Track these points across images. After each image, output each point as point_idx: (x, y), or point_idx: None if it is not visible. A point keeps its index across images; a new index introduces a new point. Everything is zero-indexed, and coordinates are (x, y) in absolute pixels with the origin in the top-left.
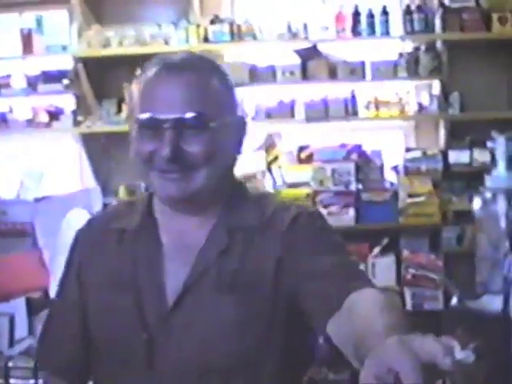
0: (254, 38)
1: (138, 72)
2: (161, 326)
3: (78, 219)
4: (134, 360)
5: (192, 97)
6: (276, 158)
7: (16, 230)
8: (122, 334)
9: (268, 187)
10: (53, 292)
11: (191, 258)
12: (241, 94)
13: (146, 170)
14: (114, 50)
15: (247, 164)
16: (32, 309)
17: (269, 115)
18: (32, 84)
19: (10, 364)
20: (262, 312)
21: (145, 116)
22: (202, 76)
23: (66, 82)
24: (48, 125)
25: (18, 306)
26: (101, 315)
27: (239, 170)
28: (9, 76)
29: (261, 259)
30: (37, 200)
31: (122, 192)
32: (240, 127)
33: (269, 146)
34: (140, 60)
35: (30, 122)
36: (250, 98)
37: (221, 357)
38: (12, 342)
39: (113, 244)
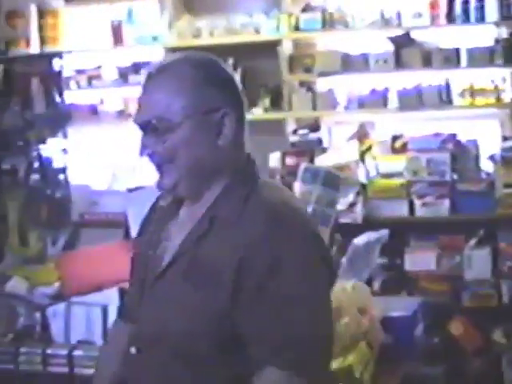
0: (346, 25)
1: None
2: (148, 292)
3: None
4: (131, 315)
5: (156, 101)
6: (369, 148)
7: (108, 221)
8: (132, 289)
9: (361, 178)
10: None
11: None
12: (332, 82)
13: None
14: (204, 40)
15: (340, 154)
16: None
17: (361, 104)
18: (123, 75)
19: None
20: (217, 301)
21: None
22: (169, 82)
23: None
24: None
25: (111, 297)
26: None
27: (331, 161)
28: (100, 67)
29: (229, 252)
30: (129, 190)
31: None
32: (208, 126)
33: (362, 135)
34: (231, 50)
35: (121, 113)
36: (342, 87)
37: (172, 333)
38: (105, 333)
39: (153, 215)
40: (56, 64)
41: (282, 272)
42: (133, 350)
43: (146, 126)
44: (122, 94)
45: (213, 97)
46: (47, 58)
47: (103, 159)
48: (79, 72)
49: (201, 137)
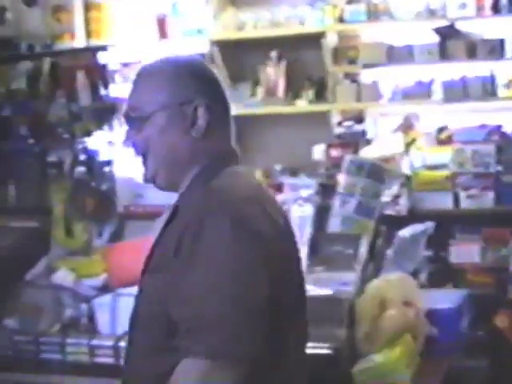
0: (391, 17)
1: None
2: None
3: None
4: None
5: (133, 94)
6: (414, 140)
7: (152, 213)
8: None
9: (406, 170)
10: None
11: None
12: (376, 74)
13: None
14: (248, 33)
15: (385, 146)
16: None
17: (406, 96)
18: None
19: None
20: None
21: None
22: (147, 77)
23: None
24: None
25: None
26: None
27: (376, 153)
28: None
29: (172, 237)
30: None
31: (258, 176)
32: (181, 117)
33: (406, 127)
34: (275, 42)
35: None
36: (386, 79)
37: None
38: None
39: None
40: (101, 57)
41: (199, 254)
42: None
43: (126, 118)
44: None
45: (186, 90)
46: (92, 51)
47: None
48: (125, 65)
49: (174, 127)
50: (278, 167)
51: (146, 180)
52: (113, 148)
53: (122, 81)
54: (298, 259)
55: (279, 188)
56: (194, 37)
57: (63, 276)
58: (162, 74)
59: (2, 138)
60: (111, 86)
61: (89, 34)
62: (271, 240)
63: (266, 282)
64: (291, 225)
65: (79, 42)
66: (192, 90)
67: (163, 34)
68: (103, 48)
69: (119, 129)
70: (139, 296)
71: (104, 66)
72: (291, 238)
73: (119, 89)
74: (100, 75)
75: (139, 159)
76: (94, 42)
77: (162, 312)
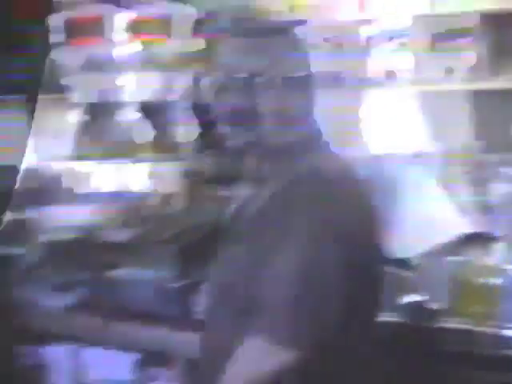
0: None
1: None
2: None
3: None
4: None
5: (245, 63)
6: None
7: None
8: None
9: None
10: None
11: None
12: None
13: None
14: None
15: None
16: None
17: None
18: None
19: None
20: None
21: (214, 77)
22: (249, 45)
23: None
24: None
25: None
26: None
27: None
28: None
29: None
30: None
31: None
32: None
33: None
34: None
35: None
36: None
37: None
38: None
39: None
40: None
41: (287, 233)
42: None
43: (228, 85)
44: None
45: (296, 63)
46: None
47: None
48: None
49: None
50: None
51: (242, 146)
52: None
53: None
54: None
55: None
56: None
57: None
58: (262, 41)
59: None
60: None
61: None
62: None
63: (344, 271)
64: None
65: None
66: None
67: None
68: (302, 22)
69: None
70: (220, 266)
71: (303, 40)
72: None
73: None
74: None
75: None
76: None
77: (243, 286)
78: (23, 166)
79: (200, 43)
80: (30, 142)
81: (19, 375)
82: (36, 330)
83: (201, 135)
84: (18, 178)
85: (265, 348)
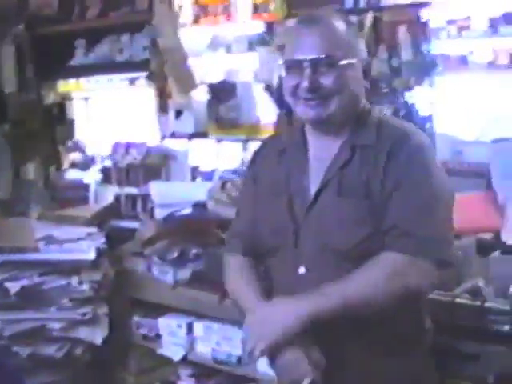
0: None
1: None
2: (303, 218)
3: None
4: (285, 244)
5: (323, 42)
6: None
7: (471, 171)
8: (278, 224)
9: None
10: (505, 234)
11: (324, 168)
12: None
13: (292, 100)
14: None
15: None
16: (482, 249)
17: None
18: (493, 26)
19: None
20: (368, 214)
21: (290, 58)
22: (331, 26)
23: None
24: (509, 67)
25: (468, 246)
26: (265, 213)
27: None
28: (469, 18)
29: (372, 174)
30: (494, 141)
31: None
32: (364, 68)
33: None
34: None
35: (491, 65)
36: None
37: (338, 243)
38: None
39: (275, 159)
40: (424, 14)
41: (411, 174)
42: (302, 269)
43: (312, 64)
44: (492, 45)
45: (362, 47)
46: (416, 7)
47: (471, 110)
48: (450, 22)
49: (359, 77)
50: None
51: (321, 118)
52: (433, 104)
53: (447, 38)
54: None
55: None
56: None
57: None
58: (354, 28)
59: None
60: (436, 43)
61: None
62: None
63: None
64: None
65: None
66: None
67: None
68: (426, 4)
69: (440, 85)
70: (322, 221)
71: (426, 23)
72: None
73: (444, 46)
74: (422, 31)
75: (313, 99)
76: None
77: (366, 224)
78: (147, 143)
79: None
80: (155, 119)
81: (134, 344)
82: (151, 302)
83: None
84: (141, 153)
85: (409, 260)
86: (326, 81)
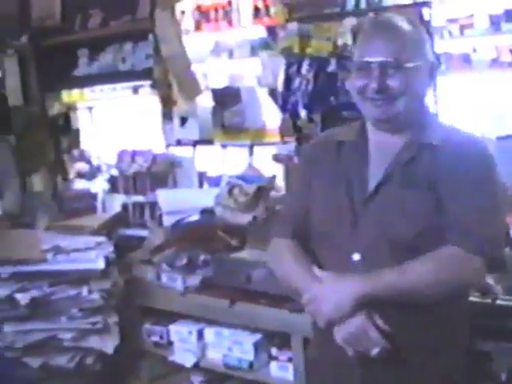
0: None
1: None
2: (362, 208)
3: None
4: (340, 231)
5: (392, 46)
6: None
7: None
8: (336, 215)
9: None
10: None
11: (386, 162)
12: None
13: (359, 99)
14: None
15: None
16: None
17: None
18: (495, 23)
19: None
20: (430, 208)
21: (359, 59)
22: (400, 30)
23: None
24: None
25: None
26: (323, 204)
27: None
28: (472, 16)
29: (436, 171)
30: (499, 138)
31: None
32: (430, 69)
33: None
34: None
35: (494, 62)
36: None
37: (397, 232)
38: None
39: (333, 151)
40: (425, 13)
41: (476, 175)
42: (357, 256)
43: (383, 65)
44: (495, 43)
45: (430, 49)
46: (417, 7)
47: (476, 108)
48: (451, 21)
49: (424, 78)
50: None
51: (388, 117)
52: (437, 103)
53: (449, 37)
54: None
55: None
56: None
57: None
58: (422, 31)
59: (330, 94)
60: (438, 42)
61: None
62: None
63: None
64: None
65: None
66: (431, 51)
67: None
68: (427, 4)
69: (444, 84)
70: (383, 212)
71: (428, 22)
72: None
73: (446, 45)
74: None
75: (380, 99)
76: None
77: (427, 218)
78: (153, 150)
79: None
80: (160, 127)
81: (146, 352)
82: (161, 310)
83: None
84: (147, 161)
85: (469, 258)
86: (393, 82)
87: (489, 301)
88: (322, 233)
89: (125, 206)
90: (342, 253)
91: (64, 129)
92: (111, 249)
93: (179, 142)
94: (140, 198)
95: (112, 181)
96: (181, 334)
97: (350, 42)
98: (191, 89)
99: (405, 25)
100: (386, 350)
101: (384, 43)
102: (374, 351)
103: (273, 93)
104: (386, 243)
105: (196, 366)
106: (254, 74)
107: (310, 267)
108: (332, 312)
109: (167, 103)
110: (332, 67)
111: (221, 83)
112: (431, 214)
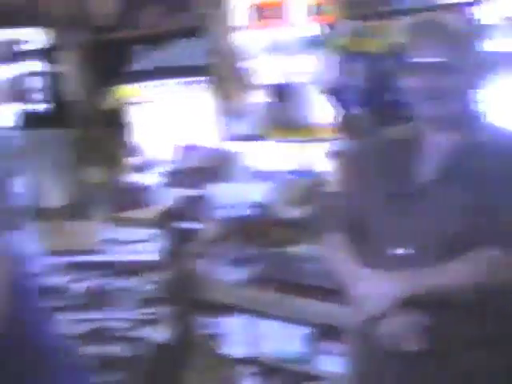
0: None
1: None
2: (410, 205)
3: None
4: (387, 228)
5: (442, 46)
6: None
7: None
8: (384, 211)
9: None
10: None
11: (437, 161)
12: None
13: (412, 98)
14: None
15: None
16: None
17: None
18: None
19: None
20: (476, 206)
21: (412, 59)
22: (450, 30)
23: None
24: None
25: None
26: (372, 200)
27: None
28: None
29: (484, 170)
30: None
31: None
32: (481, 69)
33: None
34: None
35: None
36: None
37: (442, 228)
38: None
39: (385, 150)
40: (477, 11)
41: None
42: (399, 251)
43: (434, 65)
44: None
45: (481, 49)
46: (466, 5)
47: None
48: (504, 19)
49: (476, 78)
50: None
51: (438, 117)
52: (489, 103)
53: (502, 35)
54: None
55: None
56: None
57: None
58: (474, 30)
59: (383, 92)
60: (488, 41)
61: None
62: None
63: None
64: None
65: None
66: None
67: None
68: (478, 2)
69: (496, 84)
70: (434, 208)
71: (479, 20)
72: None
73: (497, 43)
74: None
75: (421, 100)
76: None
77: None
78: (207, 145)
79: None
80: (214, 122)
81: (198, 343)
82: (213, 302)
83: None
84: (201, 156)
85: (498, 257)
86: (445, 83)
87: None
88: (367, 227)
89: (179, 200)
90: (385, 247)
91: (120, 123)
92: (166, 241)
93: (233, 138)
94: (194, 192)
95: (166, 175)
96: (233, 326)
97: (403, 40)
98: (245, 85)
99: (457, 24)
100: (426, 347)
101: (435, 43)
102: (413, 348)
103: (326, 90)
104: (431, 240)
105: (247, 357)
106: (308, 71)
107: (358, 264)
108: (374, 310)
109: (222, 99)
110: (385, 65)
111: (274, 80)
112: (478, 213)
